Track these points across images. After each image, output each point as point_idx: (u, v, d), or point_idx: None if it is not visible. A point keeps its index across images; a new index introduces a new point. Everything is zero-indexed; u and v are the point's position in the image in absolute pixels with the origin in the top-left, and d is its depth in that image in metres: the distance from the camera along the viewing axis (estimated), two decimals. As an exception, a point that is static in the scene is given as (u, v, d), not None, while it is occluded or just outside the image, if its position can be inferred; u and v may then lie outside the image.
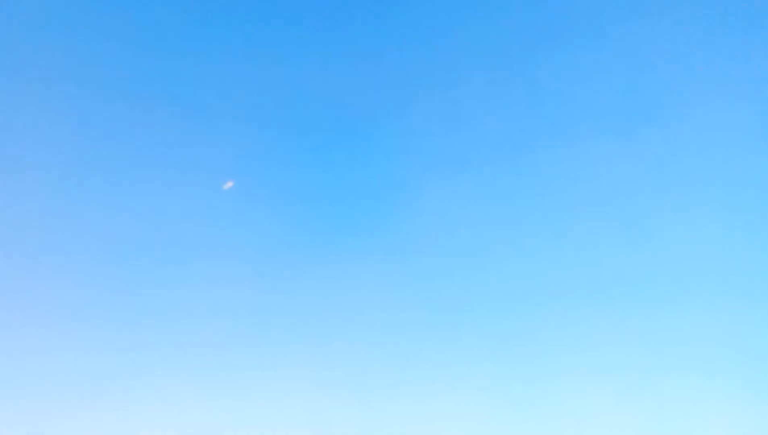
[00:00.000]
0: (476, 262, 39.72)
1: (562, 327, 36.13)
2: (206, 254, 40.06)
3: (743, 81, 38.80)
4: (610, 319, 35.63)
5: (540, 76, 44.19)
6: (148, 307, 37.07)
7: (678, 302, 34.79)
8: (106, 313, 36.43)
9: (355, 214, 40.74)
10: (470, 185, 43.20)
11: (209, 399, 33.24)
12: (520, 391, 33.26)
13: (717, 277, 35.04)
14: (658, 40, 41.56)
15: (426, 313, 37.96)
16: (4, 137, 38.69)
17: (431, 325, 37.43)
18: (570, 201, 40.97)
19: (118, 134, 41.80)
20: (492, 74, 44.68)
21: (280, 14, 43.81)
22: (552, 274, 38.71)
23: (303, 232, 40.97)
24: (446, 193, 42.68)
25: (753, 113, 37.69)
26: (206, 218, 40.91)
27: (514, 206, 41.42)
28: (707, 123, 39.77)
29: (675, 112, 41.00)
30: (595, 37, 42.85)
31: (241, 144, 43.35)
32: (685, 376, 32.40)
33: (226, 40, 44.32)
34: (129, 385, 33.14)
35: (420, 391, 34.15)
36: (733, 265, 35.64)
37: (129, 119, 42.06)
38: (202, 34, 43.86)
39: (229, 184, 30.65)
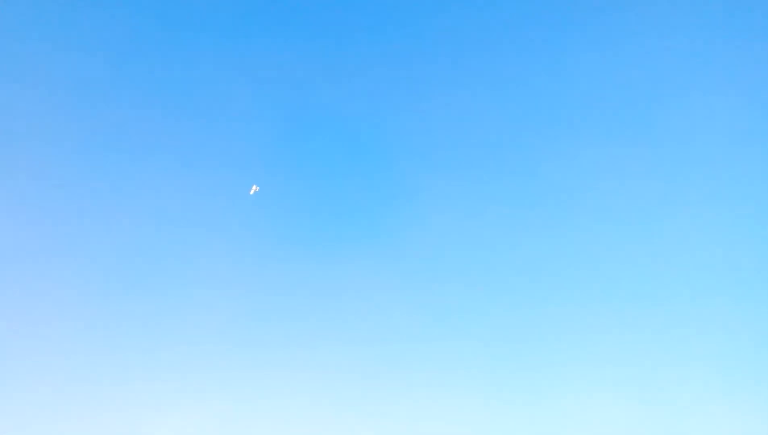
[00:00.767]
0: (476, 262, 38.95)
1: (561, 327, 35.42)
2: (206, 254, 39.21)
3: (743, 81, 38.05)
4: (610, 319, 35.01)
5: (540, 76, 43.11)
6: (148, 307, 36.29)
7: (678, 302, 34.11)
8: (106, 312, 35.68)
9: (354, 214, 39.95)
10: (470, 186, 42.42)
11: (209, 398, 32.76)
12: (520, 390, 32.73)
13: (717, 276, 34.37)
14: (658, 41, 40.74)
15: (426, 312, 37.23)
16: (4, 137, 37.84)
17: (431, 324, 36.68)
18: (569, 201, 40.17)
19: (118, 135, 40.96)
20: (492, 76, 43.69)
21: (281, 16, 42.84)
22: (552, 274, 37.89)
23: (303, 232, 40.18)
24: (446, 193, 41.90)
25: (753, 113, 37.00)
26: (206, 218, 40.02)
27: (514, 206, 40.60)
28: (708, 123, 39.07)
29: (675, 112, 40.24)
30: (595, 38, 41.97)
31: (241, 144, 42.37)
32: (685, 376, 31.89)
33: (226, 42, 43.37)
34: (129, 385, 32.56)
35: (420, 390, 33.54)
36: (733, 265, 34.98)
37: (129, 120, 41.27)
38: (202, 36, 42.96)
39: (255, 189, 29.68)
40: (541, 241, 39.30)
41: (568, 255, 38.85)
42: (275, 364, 35.36)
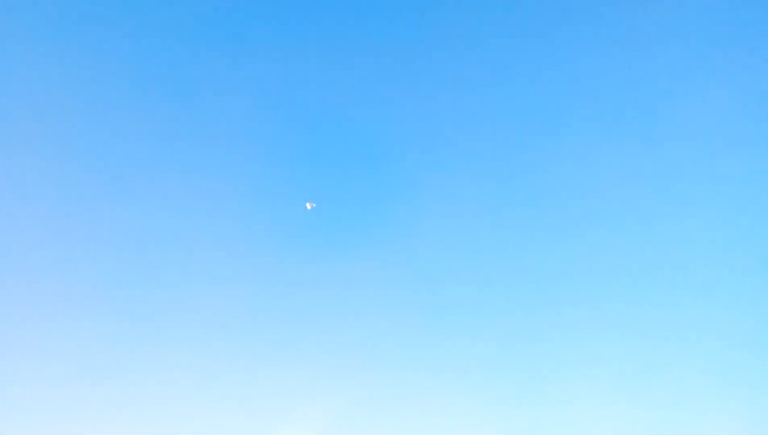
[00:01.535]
0: (477, 261, 38.90)
1: (562, 327, 35.41)
2: (206, 254, 39.13)
3: (744, 81, 38.00)
4: (611, 319, 34.97)
5: (542, 76, 43.06)
6: (147, 306, 36.20)
7: (678, 302, 34.07)
8: (105, 312, 35.65)
9: (354, 214, 39.84)
10: (471, 185, 42.35)
11: (208, 398, 32.64)
12: (521, 390, 32.65)
13: (718, 276, 34.31)
14: (658, 42, 40.75)
15: (426, 311, 37.18)
16: (5, 137, 37.77)
17: (431, 323, 36.61)
18: (571, 201, 40.14)
19: (118, 135, 40.94)
20: (492, 76, 43.66)
21: (281, 16, 42.88)
22: (552, 274, 37.84)
23: (303, 232, 40.05)
24: (446, 193, 41.85)
25: (754, 113, 36.91)
26: (206, 218, 39.93)
27: (515, 206, 40.53)
28: (708, 123, 39.03)
29: (676, 113, 40.16)
30: (595, 38, 41.92)
31: (240, 144, 42.25)
32: (685, 376, 31.81)
33: (226, 42, 43.27)
34: (128, 385, 32.47)
35: (420, 390, 33.44)
36: (733, 265, 34.91)
37: (129, 120, 41.22)
38: (202, 36, 42.88)
39: (312, 205, 31.49)
40: (542, 240, 39.30)
41: (569, 255, 38.84)
42: (275, 364, 35.37)
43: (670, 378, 32.97)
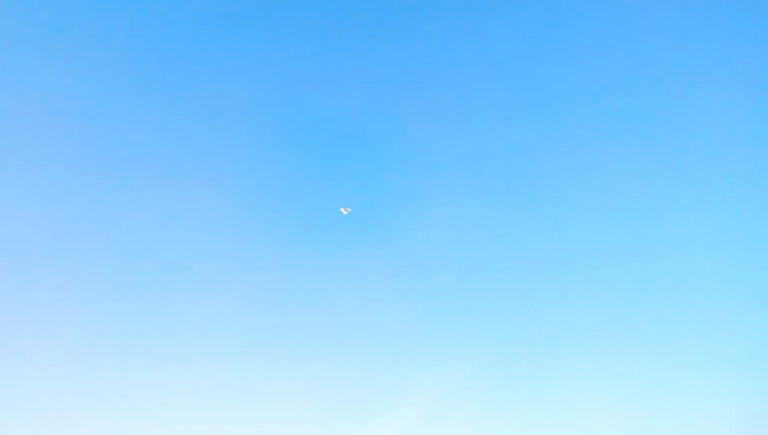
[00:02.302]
0: (477, 261, 38.65)
1: (562, 325, 35.18)
2: (206, 255, 38.92)
3: (744, 81, 37.80)
4: (611, 317, 34.68)
5: (541, 77, 42.80)
6: (147, 306, 35.96)
7: (679, 301, 33.81)
8: (105, 312, 35.43)
9: (354, 214, 39.63)
10: (470, 186, 42.08)
11: (208, 397, 32.49)
12: (521, 390, 32.45)
13: (718, 276, 34.12)
14: (659, 42, 40.47)
15: (426, 312, 36.89)
16: (5, 138, 37.59)
17: (430, 324, 36.35)
18: (570, 201, 39.88)
19: (118, 135, 40.70)
20: (492, 75, 43.50)
21: (281, 16, 42.56)
22: (552, 274, 37.63)
23: (302, 232, 39.79)
24: (446, 193, 41.65)
25: (754, 114, 36.76)
26: (205, 219, 39.78)
27: (513, 206, 40.23)
28: (709, 124, 38.73)
29: (676, 113, 39.84)
30: (596, 38, 41.71)
31: (240, 144, 41.98)
32: (685, 377, 31.56)
33: (226, 42, 43.09)
34: (128, 384, 32.27)
35: (419, 390, 33.25)
36: (734, 264, 34.64)
37: (128, 120, 40.98)
38: (201, 36, 42.70)
39: (347, 210, 32.95)
40: (541, 240, 39.23)
41: (569, 254, 38.75)
42: (275, 364, 35.39)
43: (670, 377, 32.94)
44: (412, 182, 41.12)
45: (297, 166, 41.89)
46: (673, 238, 37.41)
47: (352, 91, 42.96)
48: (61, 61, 39.92)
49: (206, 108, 41.84)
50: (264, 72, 42.64)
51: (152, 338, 34.70)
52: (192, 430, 31.63)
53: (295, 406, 33.17)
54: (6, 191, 37.26)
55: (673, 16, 40.38)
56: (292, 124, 42.86)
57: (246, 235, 39.66)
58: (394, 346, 35.69)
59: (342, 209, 36.19)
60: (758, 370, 31.66)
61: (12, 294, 34.74)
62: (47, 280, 36.04)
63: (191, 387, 33.43)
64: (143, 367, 33.81)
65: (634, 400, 32.33)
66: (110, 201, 38.83)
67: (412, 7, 42.98)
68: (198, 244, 38.91)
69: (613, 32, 41.23)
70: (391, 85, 43.04)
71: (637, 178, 39.13)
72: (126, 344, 34.42)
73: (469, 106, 42.60)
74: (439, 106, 42.67)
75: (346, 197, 40.63)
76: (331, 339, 35.88)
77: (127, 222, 38.66)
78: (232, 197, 40.41)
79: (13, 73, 38.82)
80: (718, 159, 38.35)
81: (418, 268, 38.77)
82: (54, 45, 39.78)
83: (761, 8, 38.32)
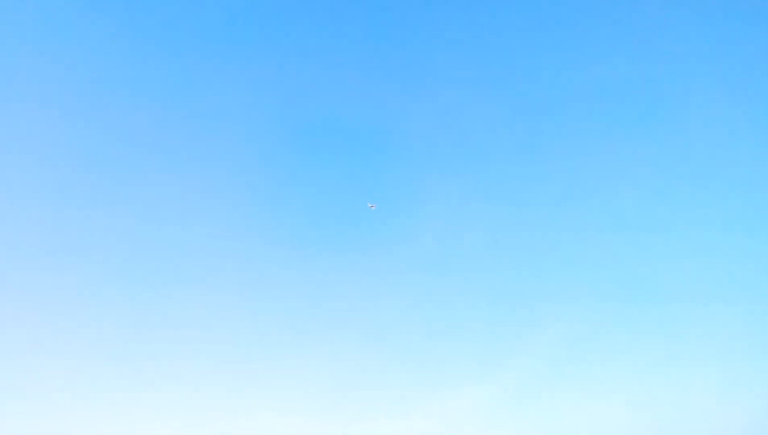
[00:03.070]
0: (476, 261, 38.43)
1: (562, 326, 35.05)
2: (206, 255, 38.62)
3: (744, 82, 37.57)
4: (611, 318, 34.58)
5: (541, 77, 42.55)
6: (146, 306, 35.70)
7: (679, 302, 33.77)
8: (104, 312, 35.16)
9: (353, 214, 39.43)
10: (470, 186, 41.83)
11: (209, 398, 32.40)
12: (521, 390, 32.36)
13: (719, 276, 34.00)
14: (660, 42, 40.25)
15: (426, 312, 36.66)
16: (7, 138, 37.28)
17: (431, 324, 36.16)
18: (570, 202, 39.66)
19: (118, 136, 40.45)
20: (493, 75, 43.24)
21: (281, 16, 42.32)
22: (552, 274, 37.44)
23: (303, 233, 39.56)
24: (446, 193, 41.34)
25: (754, 114, 36.54)
26: (205, 219, 39.47)
27: (513, 207, 40.07)
28: (710, 124, 38.57)
29: (677, 113, 39.69)
30: (596, 38, 41.45)
31: (240, 144, 41.78)
32: (686, 377, 31.48)
33: (226, 43, 42.84)
34: (126, 386, 32.13)
35: (419, 390, 33.08)
36: (735, 264, 34.48)
37: (129, 120, 40.73)
38: (200, 36, 42.46)
39: (373, 206, 33.47)
40: (541, 240, 39.27)
41: (569, 254, 38.79)
42: (275, 365, 35.35)
43: (671, 377, 32.90)
44: (416, 182, 41.20)
45: (301, 166, 42.06)
46: (673, 238, 37.47)
47: (355, 92, 42.98)
48: (62, 61, 39.90)
49: (209, 109, 41.85)
50: (269, 73, 42.61)
51: (152, 339, 34.69)
52: (192, 430, 31.61)
53: (295, 406, 33.17)
54: (6, 191, 37.25)
55: (673, 15, 40.44)
56: (295, 125, 42.88)
57: (251, 234, 39.69)
58: (395, 344, 35.73)
59: (370, 205, 36.47)
60: (759, 371, 31.65)
61: (13, 294, 34.75)
62: (47, 280, 36.07)
63: (191, 387, 33.43)
64: (142, 367, 33.80)
65: (638, 399, 32.35)
66: (112, 201, 38.80)
67: (414, 9, 43.04)
68: (202, 243, 38.94)
69: (613, 32, 41.25)
70: (394, 86, 43.07)
71: (641, 180, 39.16)
72: (135, 340, 34.37)
73: (472, 108, 42.62)
74: (442, 107, 42.75)
75: (349, 197, 40.67)
76: (335, 337, 35.90)
77: (131, 221, 38.66)
78: (236, 197, 40.39)
79: (13, 73, 38.81)
80: (719, 159, 38.39)
81: (422, 266, 38.79)
82: (54, 44, 39.80)
83: (761, 8, 38.32)
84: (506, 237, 38.88)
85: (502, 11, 41.89)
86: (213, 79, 41.47)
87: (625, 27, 40.57)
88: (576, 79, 41.22)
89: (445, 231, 39.35)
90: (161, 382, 33.27)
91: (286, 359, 35.01)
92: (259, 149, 41.23)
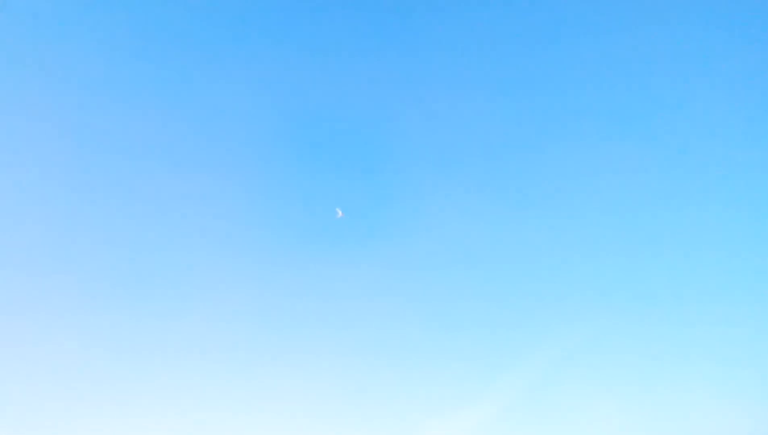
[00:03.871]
0: (476, 261, 38.77)
1: (562, 326, 35.28)
2: (206, 255, 38.91)
3: (744, 82, 37.82)
4: (611, 318, 34.82)
5: (541, 77, 42.86)
6: (146, 307, 36.03)
7: (679, 302, 33.90)
8: (104, 312, 35.44)
9: (354, 214, 39.63)
10: (471, 186, 42.20)
11: (209, 400, 32.56)
12: (522, 390, 32.51)
13: (718, 277, 34.12)
14: (660, 42, 40.47)
15: (425, 313, 36.98)
16: (6, 138, 37.61)
17: (430, 325, 36.45)
18: (569, 202, 39.87)
19: (119, 136, 40.83)
20: (493, 75, 43.46)
21: (280, 16, 42.64)
22: (552, 274, 37.69)
23: (302, 233, 39.85)
24: (446, 193, 41.68)
25: (754, 114, 36.73)
26: (205, 220, 39.85)
27: (512, 207, 40.39)
28: (710, 124, 38.76)
29: (679, 112, 39.87)
30: (596, 38, 41.75)
31: (241, 145, 42.07)
32: (685, 377, 31.59)
33: (226, 43, 43.15)
34: (127, 385, 32.39)
35: (419, 390, 33.31)
36: (734, 265, 34.69)
37: (129, 121, 41.11)
38: (200, 36, 42.78)
39: (340, 214, 33.26)
40: (541, 240, 39.28)
41: (569, 254, 38.81)
42: (275, 366, 35.36)
43: (670, 376, 32.95)
44: (412, 181, 41.20)
45: (299, 166, 41.91)
46: (673, 238, 37.49)
47: (354, 92, 42.98)
48: (60, 59, 40.02)
49: (205, 108, 41.89)
50: (262, 72, 42.63)
51: (152, 339, 34.72)
52: (192, 430, 31.67)
53: (295, 408, 33.21)
54: (6, 191, 37.31)
55: (673, 16, 40.48)
56: (295, 125, 42.84)
57: (251, 234, 39.71)
58: (393, 346, 35.74)
59: (338, 211, 36.22)
60: (759, 370, 31.69)
61: (14, 294, 34.81)
62: (47, 280, 36.11)
63: (191, 388, 33.47)
64: (142, 368, 33.84)
65: (637, 401, 32.39)
66: (109, 201, 38.85)
67: (411, 7, 43.10)
68: (202, 243, 38.92)
69: (613, 33, 41.32)
70: (389, 84, 43.03)
71: (640, 180, 39.16)
72: (134, 340, 34.38)
73: (468, 105, 42.64)
74: (442, 107, 42.67)
75: (346, 197, 40.70)
76: (334, 337, 35.89)
77: (130, 221, 38.70)
78: (234, 197, 40.40)
79: (13, 73, 38.89)
80: (718, 159, 38.42)
81: (418, 267, 38.81)
82: (54, 44, 39.87)
83: (761, 8, 38.38)
84: (508, 238, 38.93)
85: (502, 11, 41.98)
86: (212, 80, 41.57)
87: (625, 27, 40.62)
88: (576, 80, 41.27)
89: (445, 231, 39.39)
90: (161, 382, 33.42)
91: (286, 359, 35.11)
92: (258, 149, 41.25)
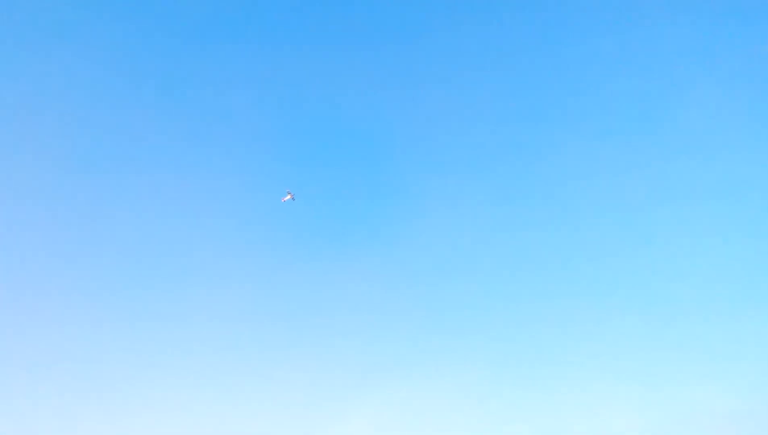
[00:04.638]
0: (476, 261, 38.59)
1: (561, 324, 35.05)
2: (206, 255, 38.72)
3: (744, 82, 37.55)
4: (610, 317, 34.63)
5: (541, 78, 42.63)
6: (146, 307, 35.74)
7: (679, 302, 33.72)
8: (103, 313, 35.27)
9: (353, 213, 39.51)
10: (470, 185, 41.90)
11: (209, 397, 32.45)
12: (521, 388, 32.38)
13: (718, 277, 34.00)
14: (659, 43, 40.24)
15: (425, 313, 36.78)
16: (6, 138, 37.43)
17: (430, 325, 36.26)
18: (569, 202, 39.66)
19: (117, 135, 40.58)
20: (493, 76, 43.30)
21: (280, 16, 42.40)
22: (551, 273, 37.45)
23: (301, 233, 39.63)
24: (446, 193, 41.41)
25: (754, 115, 36.56)
26: (205, 220, 39.60)
27: (512, 207, 40.15)
28: (710, 125, 38.55)
29: (678, 113, 39.64)
30: (596, 38, 41.46)
31: (237, 143, 41.83)
32: (686, 377, 31.42)
33: (227, 43, 42.95)
34: (127, 385, 32.21)
35: (419, 389, 33.15)
36: (733, 266, 34.50)
37: (129, 121, 40.94)
38: (203, 37, 42.56)
39: (289, 196, 32.02)
40: (540, 240, 39.33)
41: (568, 254, 38.89)
42: (275, 364, 35.49)
43: (670, 376, 32.95)
44: (414, 184, 41.31)
45: (299, 166, 42.22)
46: (673, 237, 37.50)
47: (354, 92, 43.12)
48: (60, 58, 40.04)
49: (206, 109, 42.01)
50: (266, 74, 42.85)
51: (152, 339, 34.82)
52: (192, 430, 31.69)
53: (295, 405, 33.26)
54: (6, 191, 37.34)
55: (673, 16, 40.47)
56: (295, 125, 43.03)
57: (251, 234, 39.85)
58: (395, 344, 35.80)
59: (287, 193, 35.43)
60: (759, 371, 31.67)
61: (14, 294, 34.85)
62: (47, 280, 36.19)
63: (191, 386, 33.54)
64: (142, 368, 33.90)
65: (636, 398, 32.39)
66: (108, 201, 38.93)
67: (413, 10, 43.14)
68: (201, 243, 39.10)
69: (613, 32, 41.33)
70: (392, 88, 43.22)
71: (639, 180, 39.20)
72: (133, 340, 34.55)
73: (470, 108, 42.71)
74: (442, 107, 42.85)
75: (346, 197, 40.73)
76: (330, 339, 36.00)
77: (130, 221, 38.79)
78: (234, 197, 40.53)
79: (12, 73, 38.90)
80: (719, 159, 38.43)
81: (418, 269, 38.91)
82: (54, 44, 39.88)
83: (761, 8, 38.35)
84: (505, 238, 39.00)
85: (501, 11, 42.04)
86: (212, 80, 41.75)
87: (624, 27, 40.63)
88: (575, 80, 41.32)
89: (444, 231, 39.43)
90: (161, 382, 33.51)
91: (285, 359, 35.19)
92: (258, 149, 41.41)
